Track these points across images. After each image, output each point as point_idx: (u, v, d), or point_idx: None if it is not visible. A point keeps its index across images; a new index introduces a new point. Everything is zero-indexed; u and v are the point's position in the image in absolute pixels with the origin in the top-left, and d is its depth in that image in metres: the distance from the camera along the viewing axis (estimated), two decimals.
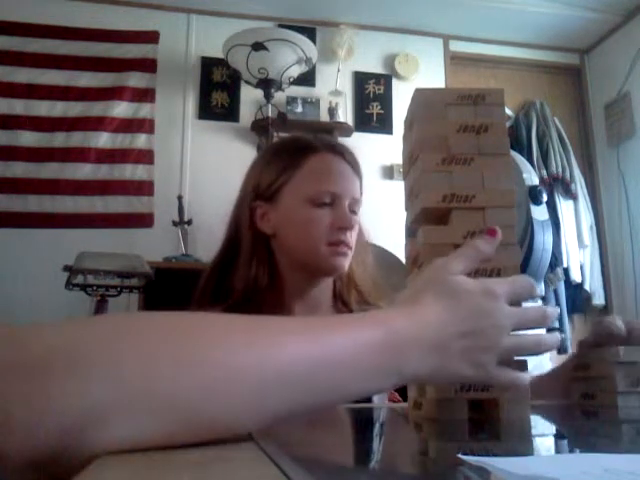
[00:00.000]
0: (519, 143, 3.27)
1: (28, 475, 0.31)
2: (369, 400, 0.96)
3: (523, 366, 0.46)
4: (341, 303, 1.09)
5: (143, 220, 2.92)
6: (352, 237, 1.02)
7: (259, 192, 1.04)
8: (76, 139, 2.91)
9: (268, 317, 0.39)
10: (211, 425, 0.35)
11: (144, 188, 2.94)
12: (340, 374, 0.38)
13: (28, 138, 2.88)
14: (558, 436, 0.43)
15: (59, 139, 2.91)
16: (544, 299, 2.81)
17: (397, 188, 3.02)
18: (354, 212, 1.03)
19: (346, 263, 1.02)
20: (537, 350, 0.45)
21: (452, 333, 0.41)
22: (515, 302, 0.45)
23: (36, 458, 0.30)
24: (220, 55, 2.94)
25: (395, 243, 1.80)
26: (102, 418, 0.31)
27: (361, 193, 1.07)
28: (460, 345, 0.41)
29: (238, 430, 0.36)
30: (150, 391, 0.32)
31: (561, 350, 2.99)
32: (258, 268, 1.02)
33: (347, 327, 0.40)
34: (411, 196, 0.56)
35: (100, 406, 0.31)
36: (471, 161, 0.51)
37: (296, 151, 1.04)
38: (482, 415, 0.50)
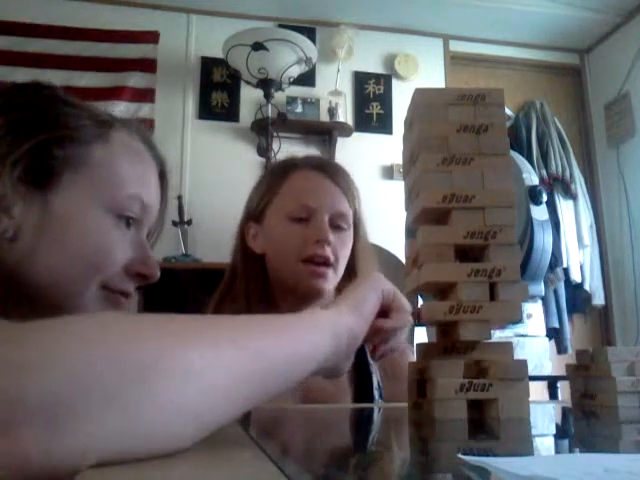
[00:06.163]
0: (519, 143, 3.27)
1: None
2: (371, 400, 0.96)
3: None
4: None
5: None
6: (334, 253, 0.96)
7: (250, 213, 1.05)
8: None
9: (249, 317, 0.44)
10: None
11: None
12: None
13: None
14: (558, 436, 0.43)
15: None
16: (544, 299, 2.81)
17: (397, 188, 3.02)
18: (339, 227, 0.98)
19: (326, 285, 0.95)
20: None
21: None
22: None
23: None
24: (220, 55, 2.93)
25: (395, 243, 1.79)
26: None
27: (354, 209, 1.02)
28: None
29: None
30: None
31: (561, 350, 2.99)
32: (248, 287, 1.00)
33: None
34: (411, 196, 0.56)
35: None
36: (471, 161, 0.51)
37: (280, 171, 1.05)
38: (482, 415, 0.51)
